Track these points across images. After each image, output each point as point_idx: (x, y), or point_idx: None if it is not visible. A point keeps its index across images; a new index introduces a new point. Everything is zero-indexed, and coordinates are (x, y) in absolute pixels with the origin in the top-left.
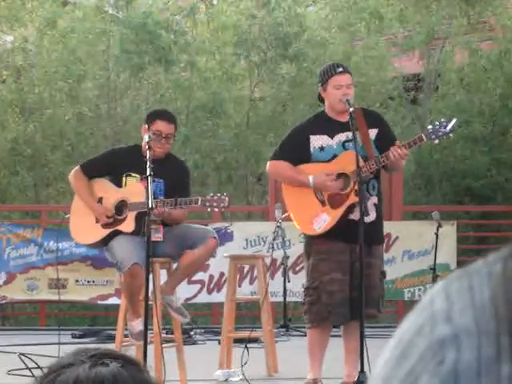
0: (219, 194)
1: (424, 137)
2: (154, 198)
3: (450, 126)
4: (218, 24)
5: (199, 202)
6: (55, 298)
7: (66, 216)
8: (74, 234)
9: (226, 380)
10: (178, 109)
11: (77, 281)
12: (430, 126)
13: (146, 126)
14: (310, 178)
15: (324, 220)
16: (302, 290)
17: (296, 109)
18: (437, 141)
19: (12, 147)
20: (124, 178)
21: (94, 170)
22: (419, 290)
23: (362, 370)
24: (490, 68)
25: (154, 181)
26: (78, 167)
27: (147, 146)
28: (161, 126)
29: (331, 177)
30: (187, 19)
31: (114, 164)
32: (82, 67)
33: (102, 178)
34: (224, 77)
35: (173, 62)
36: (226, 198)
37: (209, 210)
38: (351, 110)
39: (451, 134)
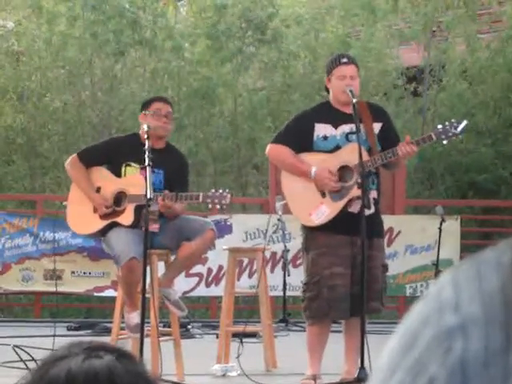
0: (221, 191)
1: (434, 136)
2: (154, 190)
3: (460, 128)
4: (199, 5)
5: (200, 198)
6: (50, 289)
7: (64, 203)
8: (71, 224)
9: (224, 375)
10: (170, 97)
11: (73, 272)
12: (440, 126)
13: (143, 113)
14: (313, 170)
15: (323, 212)
16: (301, 285)
17: (287, 93)
18: (445, 141)
19: (7, 135)
20: (123, 168)
21: (92, 158)
22: (421, 285)
23: (362, 366)
24: (490, 57)
25: (153, 171)
26: (74, 155)
27: (146, 136)
28: (159, 105)
29: (333, 177)
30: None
31: (113, 153)
32: (70, 54)
33: (100, 166)
34: (212, 61)
35: (155, 47)
36: (228, 195)
37: (210, 206)
38: (354, 101)
39: (460, 136)
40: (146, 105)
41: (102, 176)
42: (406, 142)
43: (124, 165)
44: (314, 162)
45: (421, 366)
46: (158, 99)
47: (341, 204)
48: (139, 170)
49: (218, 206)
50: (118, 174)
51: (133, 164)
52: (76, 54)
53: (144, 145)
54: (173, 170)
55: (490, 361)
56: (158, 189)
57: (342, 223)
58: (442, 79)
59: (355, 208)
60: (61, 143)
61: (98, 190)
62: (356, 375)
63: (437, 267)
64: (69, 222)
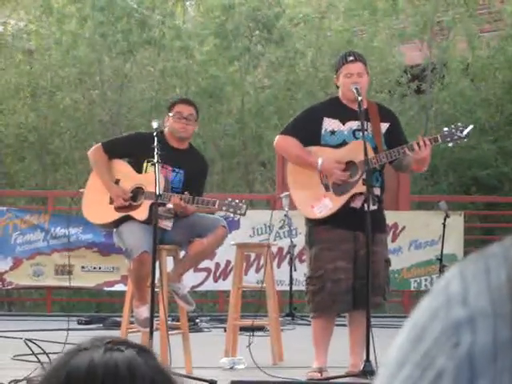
0: (237, 201)
1: (439, 138)
2: (173, 190)
3: (465, 132)
4: (206, 6)
5: (216, 205)
6: (61, 284)
7: (81, 190)
8: (86, 212)
9: (232, 368)
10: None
11: (83, 267)
12: (446, 129)
13: (167, 115)
14: (319, 161)
15: (325, 205)
16: (304, 279)
17: (291, 91)
18: (451, 144)
19: (18, 133)
20: (145, 164)
21: (115, 150)
22: (426, 280)
23: (367, 360)
24: (492, 55)
25: (174, 170)
26: (99, 145)
27: (155, 133)
28: (180, 107)
29: (340, 165)
30: (176, 3)
31: (136, 148)
32: (80, 53)
33: (122, 160)
34: (219, 60)
35: (164, 46)
36: (244, 206)
37: (224, 213)
38: (360, 98)
39: (466, 140)
40: (170, 106)
41: (122, 169)
42: (420, 138)
43: (146, 161)
44: (320, 155)
45: (429, 360)
46: (180, 101)
47: (344, 198)
48: (161, 167)
49: (232, 215)
50: (140, 170)
51: (154, 161)
52: (86, 54)
53: (166, 143)
54: (193, 172)
55: (498, 354)
56: (176, 188)
57: (345, 218)
58: (444, 76)
59: (357, 203)
60: (71, 141)
61: (117, 182)
62: (362, 368)
63: (441, 262)
64: (83, 210)
